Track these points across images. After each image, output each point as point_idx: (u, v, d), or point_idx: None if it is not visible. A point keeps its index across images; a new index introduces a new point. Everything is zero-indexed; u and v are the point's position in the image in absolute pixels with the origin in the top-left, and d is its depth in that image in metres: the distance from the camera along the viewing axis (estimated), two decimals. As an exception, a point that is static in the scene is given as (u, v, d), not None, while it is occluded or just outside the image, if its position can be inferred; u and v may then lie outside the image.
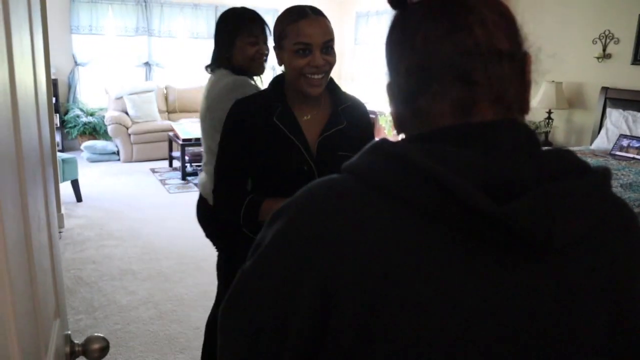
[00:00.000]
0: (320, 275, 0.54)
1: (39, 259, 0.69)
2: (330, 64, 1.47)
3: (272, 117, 1.49)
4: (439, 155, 0.54)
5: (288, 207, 0.59)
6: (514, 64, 0.60)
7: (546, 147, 0.60)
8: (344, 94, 1.62)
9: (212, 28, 8.10)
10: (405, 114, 0.62)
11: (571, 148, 4.61)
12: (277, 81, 1.57)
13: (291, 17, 1.45)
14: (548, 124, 5.21)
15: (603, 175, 0.59)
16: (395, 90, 0.63)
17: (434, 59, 0.58)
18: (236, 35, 2.02)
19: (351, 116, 1.57)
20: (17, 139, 0.59)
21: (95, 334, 0.92)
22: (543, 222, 0.52)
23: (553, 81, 5.07)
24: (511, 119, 0.59)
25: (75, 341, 0.92)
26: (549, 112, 5.18)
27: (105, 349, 0.90)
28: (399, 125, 0.65)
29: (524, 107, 0.62)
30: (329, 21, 1.48)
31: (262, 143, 1.51)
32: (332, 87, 1.58)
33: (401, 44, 0.61)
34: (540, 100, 5.09)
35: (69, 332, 0.96)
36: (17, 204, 0.58)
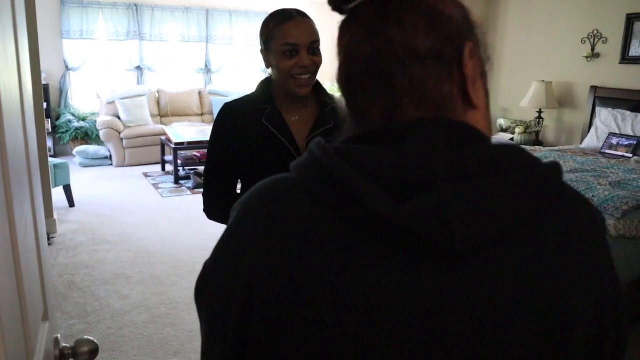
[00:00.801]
0: (248, 270, 0.58)
1: (26, 263, 0.70)
2: (317, 64, 1.49)
3: (261, 118, 1.52)
4: (354, 156, 0.55)
5: (238, 204, 0.64)
6: (440, 62, 0.58)
7: (497, 143, 0.58)
8: (329, 95, 1.64)
9: (203, 31, 8.16)
10: (349, 112, 0.64)
11: (562, 147, 4.64)
12: (265, 84, 1.60)
13: (278, 19, 1.47)
14: (539, 123, 5.25)
15: (546, 171, 0.56)
16: (341, 88, 0.65)
17: (355, 64, 0.60)
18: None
19: (337, 117, 1.59)
20: (1, 146, 0.60)
21: (85, 337, 0.93)
22: (439, 222, 0.50)
23: (543, 81, 5.12)
24: (432, 117, 0.57)
25: (65, 344, 0.93)
26: (540, 112, 5.22)
27: (94, 351, 0.91)
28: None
29: (470, 101, 0.60)
30: (314, 23, 1.51)
31: (251, 145, 1.54)
32: (318, 88, 1.61)
33: (338, 47, 0.63)
34: (530, 99, 5.13)
35: (59, 335, 0.96)
36: (2, 209, 0.59)
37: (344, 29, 0.63)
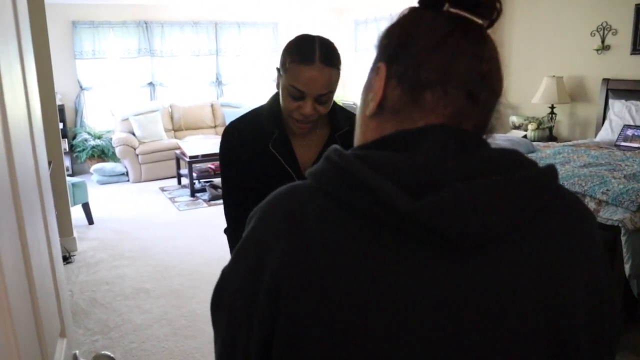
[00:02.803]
0: (272, 273, 0.60)
1: (40, 282, 0.72)
2: (320, 114, 1.42)
3: (268, 142, 1.47)
4: (373, 160, 0.58)
5: (256, 211, 0.67)
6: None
7: (496, 147, 0.63)
8: (344, 115, 1.55)
9: (212, 44, 8.25)
10: (403, 97, 0.64)
11: (576, 142, 4.61)
12: (276, 101, 1.49)
13: (297, 57, 1.36)
14: (551, 118, 5.21)
15: (543, 172, 0.62)
16: (407, 75, 0.65)
17: (455, 67, 0.63)
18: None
19: (348, 142, 1.55)
20: (11, 171, 0.63)
21: (102, 352, 0.95)
22: (455, 217, 0.55)
23: (554, 76, 5.08)
24: (441, 124, 0.62)
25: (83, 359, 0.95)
26: (552, 107, 5.18)
27: (112, 365, 0.93)
28: (377, 108, 0.67)
29: (482, 128, 0.67)
30: (337, 69, 1.39)
31: (256, 168, 1.49)
32: (332, 111, 1.51)
33: (429, 39, 0.64)
34: (542, 95, 5.10)
35: (77, 351, 0.99)
36: (14, 232, 0.62)
37: (443, 25, 0.65)
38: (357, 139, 0.72)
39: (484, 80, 0.63)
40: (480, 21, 0.65)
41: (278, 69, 1.44)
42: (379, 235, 0.58)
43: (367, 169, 0.57)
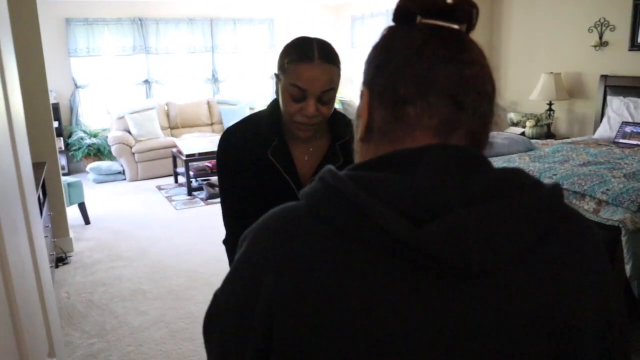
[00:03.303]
0: (266, 298, 0.58)
1: (24, 304, 0.69)
2: (324, 115, 1.37)
3: (267, 150, 1.43)
4: (369, 183, 0.56)
5: (247, 234, 0.65)
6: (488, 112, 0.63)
7: (499, 168, 0.61)
8: (345, 123, 1.50)
9: (208, 41, 8.20)
10: (386, 117, 0.63)
11: (574, 139, 4.59)
12: (275, 107, 1.45)
13: (296, 56, 1.32)
14: (549, 115, 5.19)
15: (549, 194, 0.59)
16: (387, 93, 0.63)
17: (434, 75, 0.60)
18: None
19: (349, 152, 1.48)
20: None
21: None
22: (458, 246, 0.52)
23: (551, 72, 5.05)
24: (438, 144, 0.59)
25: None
26: (550, 104, 5.16)
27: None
28: (365, 132, 0.66)
29: (480, 138, 0.64)
30: (337, 67, 1.35)
31: (253, 175, 1.45)
32: (333, 118, 1.47)
33: (404, 53, 0.62)
34: (540, 92, 5.07)
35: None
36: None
37: (418, 38, 0.63)
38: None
39: (469, 84, 0.60)
40: (457, 27, 0.63)
41: (276, 74, 1.40)
42: (375, 261, 0.56)
43: (361, 192, 0.55)
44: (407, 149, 0.59)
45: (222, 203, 1.52)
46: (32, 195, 0.87)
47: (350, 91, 8.06)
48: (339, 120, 1.51)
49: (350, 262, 0.56)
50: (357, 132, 0.68)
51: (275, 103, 1.47)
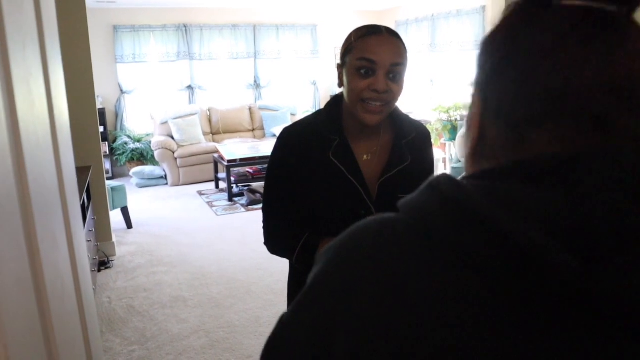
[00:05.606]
0: (351, 335, 0.45)
1: (60, 325, 0.60)
2: (394, 93, 1.27)
3: (328, 152, 1.33)
4: (504, 197, 0.43)
5: (329, 250, 0.52)
6: None
7: None
8: (409, 122, 1.42)
9: (251, 47, 8.21)
10: (501, 137, 0.49)
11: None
12: (333, 107, 1.39)
13: (362, 32, 1.29)
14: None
15: None
16: (502, 103, 0.49)
17: (572, 85, 0.45)
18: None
19: (416, 150, 1.39)
20: (23, 201, 0.51)
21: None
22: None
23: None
24: (607, 146, 0.44)
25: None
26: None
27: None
28: (476, 147, 0.52)
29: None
30: (404, 45, 1.31)
31: (314, 179, 1.35)
32: (396, 115, 1.39)
33: (533, 51, 0.47)
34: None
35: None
36: (25, 269, 0.50)
37: (559, 29, 0.47)
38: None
39: (621, 94, 0.44)
40: (613, 7, 0.46)
41: (339, 64, 1.34)
42: (518, 307, 0.41)
43: (500, 211, 0.41)
44: (555, 154, 0.45)
45: (265, 200, 1.45)
46: (75, 202, 0.79)
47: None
48: (403, 118, 1.41)
49: (478, 304, 0.42)
50: (467, 144, 0.54)
51: (333, 102, 1.39)
